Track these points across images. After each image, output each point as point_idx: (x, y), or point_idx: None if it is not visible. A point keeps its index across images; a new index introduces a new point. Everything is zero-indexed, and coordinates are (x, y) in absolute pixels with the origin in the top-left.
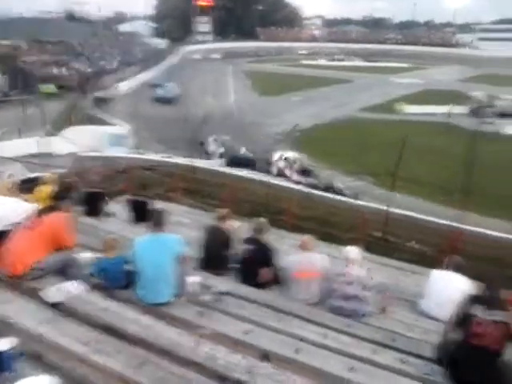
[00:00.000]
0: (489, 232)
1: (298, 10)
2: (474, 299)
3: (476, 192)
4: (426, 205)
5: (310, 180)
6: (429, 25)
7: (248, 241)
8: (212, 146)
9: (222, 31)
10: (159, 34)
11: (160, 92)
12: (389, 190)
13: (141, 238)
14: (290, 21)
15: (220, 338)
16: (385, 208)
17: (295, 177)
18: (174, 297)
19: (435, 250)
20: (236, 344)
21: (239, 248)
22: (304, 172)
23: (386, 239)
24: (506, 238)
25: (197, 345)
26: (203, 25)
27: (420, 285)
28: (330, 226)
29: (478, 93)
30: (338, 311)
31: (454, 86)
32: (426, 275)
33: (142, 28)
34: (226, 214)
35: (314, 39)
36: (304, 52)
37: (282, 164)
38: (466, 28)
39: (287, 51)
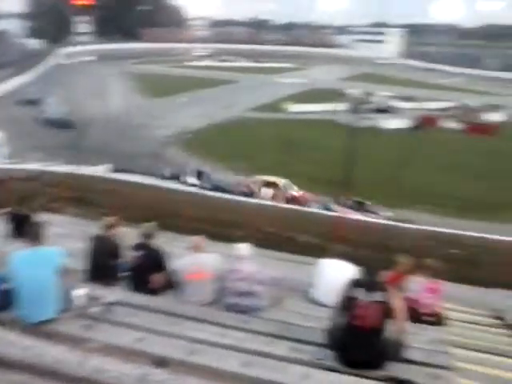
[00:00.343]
0: (370, 219)
1: (183, 11)
2: (355, 283)
3: (362, 183)
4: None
5: (373, 216)
6: (309, 26)
7: (137, 247)
8: (190, 178)
9: (103, 32)
10: (35, 33)
11: (49, 113)
12: None
13: (19, 254)
14: (175, 21)
15: (110, 350)
16: (271, 204)
17: (350, 215)
18: (59, 312)
19: (324, 240)
20: (128, 354)
21: (129, 255)
22: (358, 206)
23: (278, 234)
24: (390, 225)
25: (84, 359)
26: (83, 25)
27: (311, 275)
28: (224, 225)
29: (355, 90)
30: (233, 308)
31: (335, 85)
32: (316, 265)
33: (15, 27)
34: (113, 222)
35: (199, 40)
36: (190, 53)
37: (268, 192)
38: (343, 30)
39: (172, 52)
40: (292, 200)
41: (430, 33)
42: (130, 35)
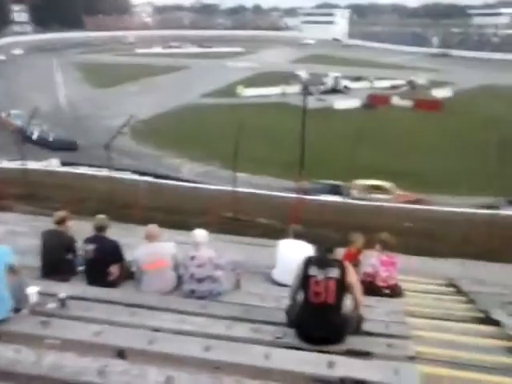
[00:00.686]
0: (325, 198)
1: None
2: (310, 261)
3: (317, 163)
4: (272, 181)
5: None
6: (256, 10)
7: (90, 240)
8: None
9: (44, 20)
10: None
11: (36, 132)
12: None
13: None
14: (119, 8)
15: (68, 345)
16: (231, 189)
17: None
18: (13, 312)
19: (282, 222)
20: (86, 347)
21: (83, 249)
22: None
23: (238, 218)
24: (346, 203)
25: (40, 357)
26: (19, 13)
27: (271, 257)
28: (181, 213)
29: (306, 72)
30: (192, 294)
31: (286, 68)
32: (275, 247)
33: None
34: (64, 216)
35: (145, 27)
36: (137, 40)
37: (383, 199)
38: (291, 12)
39: (118, 40)
40: (416, 203)
41: (377, 13)
42: (74, 23)
